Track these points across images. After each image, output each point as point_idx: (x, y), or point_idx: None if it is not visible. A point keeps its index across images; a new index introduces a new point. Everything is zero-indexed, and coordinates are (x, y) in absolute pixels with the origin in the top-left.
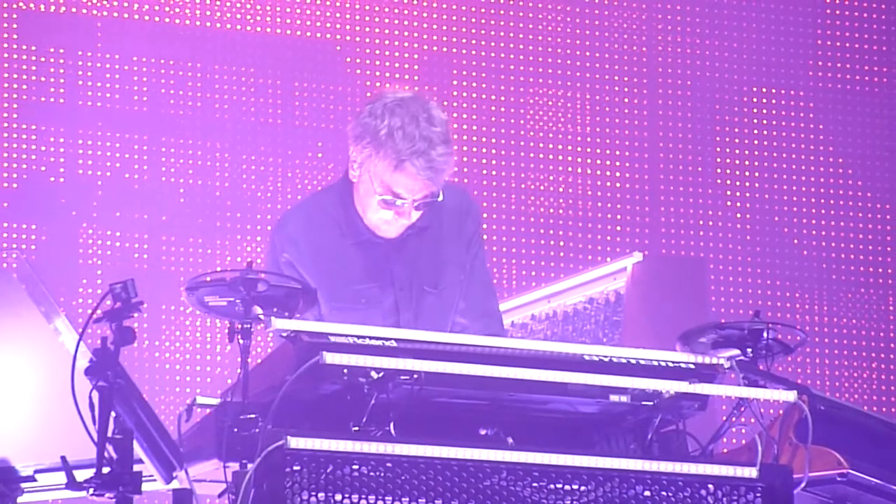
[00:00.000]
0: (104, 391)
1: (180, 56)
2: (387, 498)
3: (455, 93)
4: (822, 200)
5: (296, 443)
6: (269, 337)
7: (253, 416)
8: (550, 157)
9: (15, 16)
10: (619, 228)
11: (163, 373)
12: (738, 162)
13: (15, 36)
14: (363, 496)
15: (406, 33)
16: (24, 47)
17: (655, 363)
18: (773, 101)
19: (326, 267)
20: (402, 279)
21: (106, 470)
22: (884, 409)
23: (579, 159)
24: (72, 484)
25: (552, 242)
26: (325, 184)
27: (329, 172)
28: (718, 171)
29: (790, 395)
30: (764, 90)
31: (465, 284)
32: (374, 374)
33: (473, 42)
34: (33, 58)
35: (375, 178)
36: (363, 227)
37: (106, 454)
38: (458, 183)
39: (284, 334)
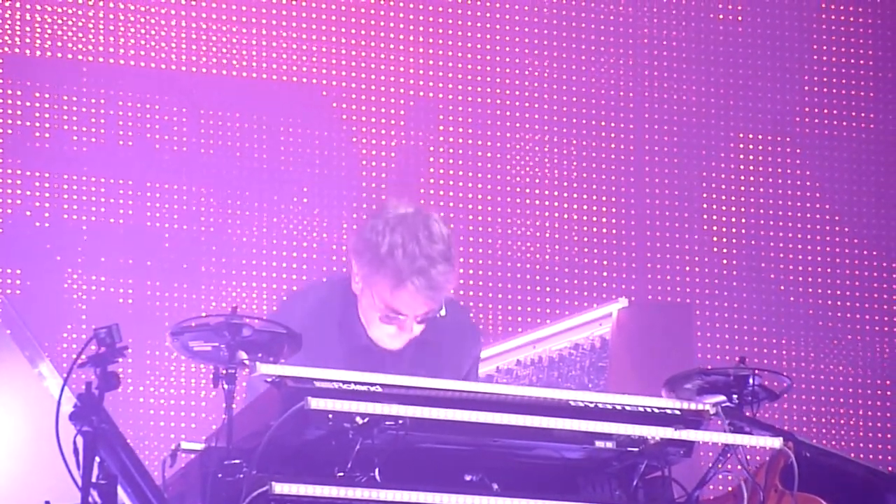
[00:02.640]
0: (88, 436)
1: (165, 100)
2: None
3: (441, 138)
4: (809, 247)
5: (280, 488)
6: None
7: (237, 461)
8: (536, 202)
9: (0, 60)
10: (605, 274)
11: (147, 418)
12: (724, 208)
13: (0, 79)
14: None
15: (392, 79)
16: (10, 91)
17: (641, 409)
18: (760, 147)
19: (331, 358)
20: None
21: None
22: (870, 457)
23: (565, 205)
24: None
25: (538, 288)
26: (332, 277)
27: (314, 217)
28: (705, 216)
29: (776, 442)
30: (751, 136)
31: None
32: (359, 420)
33: (459, 88)
34: (18, 102)
35: (377, 295)
36: (363, 332)
37: (90, 500)
38: (461, 302)
39: (269, 379)
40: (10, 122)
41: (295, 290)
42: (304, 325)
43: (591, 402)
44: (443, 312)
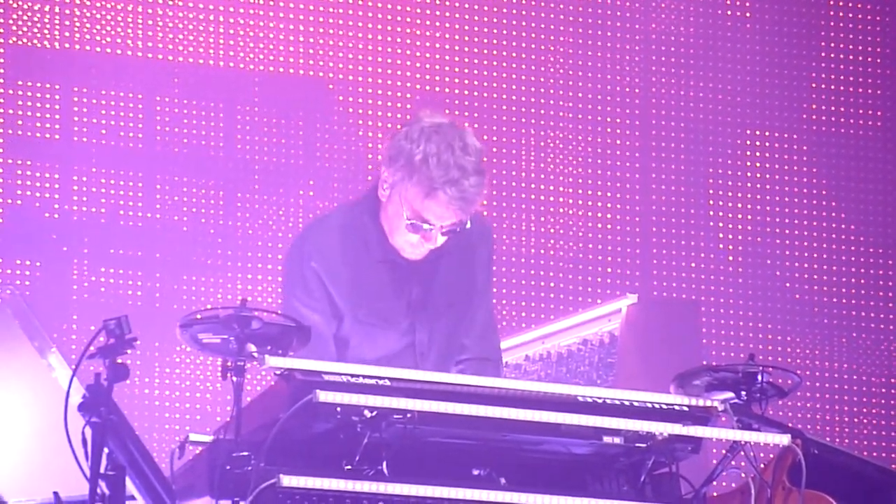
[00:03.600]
0: (97, 427)
1: (173, 93)
2: None
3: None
4: (816, 244)
5: (288, 481)
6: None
7: (246, 453)
8: (544, 198)
9: (10, 51)
10: (614, 270)
11: (156, 409)
12: (731, 204)
13: (9, 71)
14: None
15: (399, 72)
16: (19, 83)
17: (649, 405)
18: (767, 144)
19: (352, 281)
20: (419, 301)
21: None
22: (879, 454)
23: (573, 201)
24: None
25: (547, 284)
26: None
27: (321, 210)
28: (712, 213)
29: (784, 439)
30: (758, 133)
31: (473, 304)
32: (367, 413)
33: (466, 82)
34: (28, 93)
35: (405, 202)
36: (388, 246)
37: (98, 490)
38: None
39: (278, 372)
40: (19, 113)
41: (307, 225)
42: (331, 250)
43: (600, 398)
44: (468, 225)
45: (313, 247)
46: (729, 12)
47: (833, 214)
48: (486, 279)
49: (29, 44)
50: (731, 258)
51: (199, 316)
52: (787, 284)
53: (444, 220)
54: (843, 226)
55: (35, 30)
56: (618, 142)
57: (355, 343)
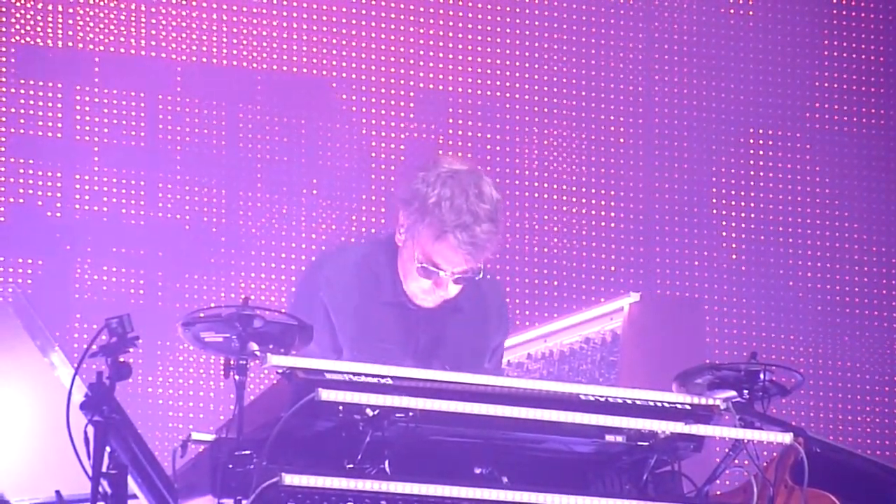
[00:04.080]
0: (99, 426)
1: (177, 92)
2: None
3: (450, 131)
4: (819, 242)
5: (291, 480)
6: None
7: (248, 452)
8: (546, 196)
9: (13, 50)
10: (616, 269)
11: (158, 408)
12: (734, 203)
13: (13, 70)
14: None
15: (402, 71)
16: (22, 81)
17: (651, 403)
18: (770, 143)
19: (356, 319)
20: (424, 350)
21: None
22: (881, 453)
23: (575, 199)
24: None
25: (549, 282)
26: (374, 235)
27: (324, 209)
28: (714, 212)
29: (786, 437)
30: (761, 132)
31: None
32: (369, 412)
33: (469, 80)
34: (31, 92)
35: (418, 246)
36: (400, 290)
37: (101, 489)
38: (499, 279)
39: (280, 371)
40: (21, 112)
41: (325, 254)
42: (341, 286)
43: (602, 397)
44: (480, 276)
45: (326, 278)
46: (731, 11)
47: (836, 213)
48: (496, 353)
49: (31, 42)
50: (734, 256)
51: (201, 314)
52: (791, 283)
53: (454, 265)
54: (846, 224)
55: (38, 29)
56: (621, 140)
57: None
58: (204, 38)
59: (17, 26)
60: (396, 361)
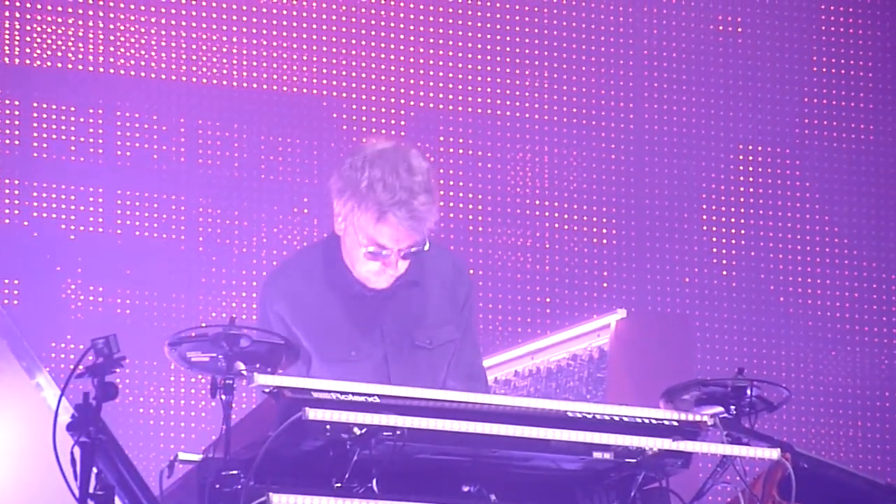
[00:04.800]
0: (86, 447)
1: (165, 111)
2: None
3: (441, 148)
4: (809, 258)
5: (278, 499)
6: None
7: (235, 472)
8: (535, 213)
9: (4, 70)
10: (603, 285)
11: (145, 428)
12: (724, 219)
13: (4, 90)
14: None
15: (392, 88)
16: (9, 101)
17: (639, 420)
18: (760, 159)
19: (316, 321)
20: (392, 333)
21: None
22: (868, 468)
23: (564, 216)
24: None
25: (536, 299)
26: (312, 241)
27: (315, 228)
28: (705, 228)
29: (773, 453)
30: (750, 147)
31: (457, 345)
32: (356, 431)
33: (460, 98)
34: (24, 113)
35: (360, 231)
36: (352, 280)
37: None
38: (446, 244)
39: (267, 390)
40: (8, 132)
41: (272, 271)
42: (295, 293)
43: (589, 413)
44: (427, 247)
45: (276, 291)
46: (720, 28)
47: (826, 228)
48: (470, 320)
49: (20, 62)
50: (724, 273)
51: (188, 334)
52: (781, 299)
53: (399, 242)
54: (836, 240)
55: (26, 48)
56: (610, 156)
57: None
58: (193, 57)
59: (8, 49)
60: (366, 350)
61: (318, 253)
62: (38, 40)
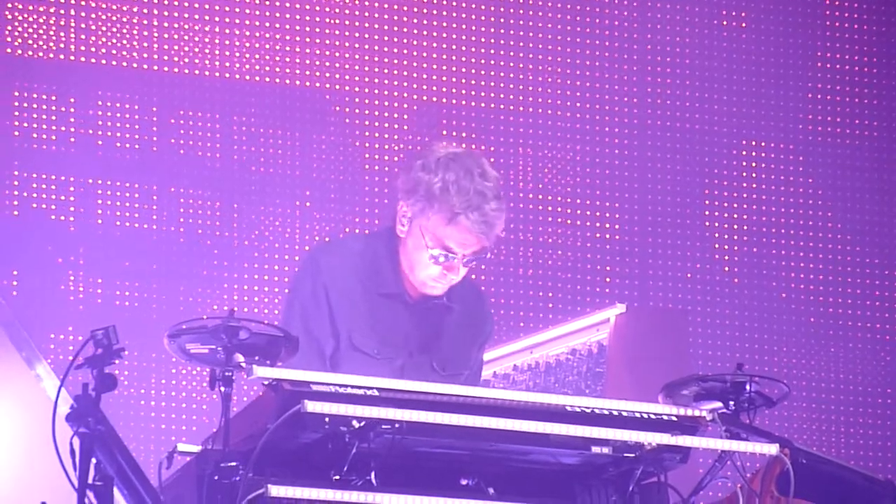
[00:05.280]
0: (85, 438)
1: (169, 104)
2: None
3: (443, 143)
4: (811, 254)
5: (276, 491)
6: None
7: (234, 464)
8: (536, 207)
9: (5, 60)
10: (603, 280)
11: (144, 420)
12: (726, 215)
13: (5, 80)
14: None
15: (396, 82)
16: (9, 93)
17: (637, 415)
18: (763, 154)
19: (355, 308)
20: (414, 346)
21: None
22: (867, 464)
23: (567, 210)
24: None
25: (536, 293)
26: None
27: (316, 221)
28: (707, 223)
29: (772, 449)
30: (754, 143)
31: (466, 377)
32: (355, 423)
33: (464, 92)
34: (25, 104)
35: (427, 233)
36: (400, 281)
37: (87, 501)
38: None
39: (266, 382)
40: (9, 123)
41: (328, 243)
42: (345, 274)
43: (588, 408)
44: (489, 255)
45: (328, 264)
46: (725, 22)
47: (829, 224)
48: (480, 360)
49: (21, 53)
50: (726, 268)
51: (187, 326)
52: (784, 295)
53: (466, 247)
54: (839, 236)
55: (28, 40)
56: (615, 151)
57: (346, 370)
58: (197, 50)
59: (10, 39)
60: (388, 354)
61: (375, 246)
62: (41, 31)
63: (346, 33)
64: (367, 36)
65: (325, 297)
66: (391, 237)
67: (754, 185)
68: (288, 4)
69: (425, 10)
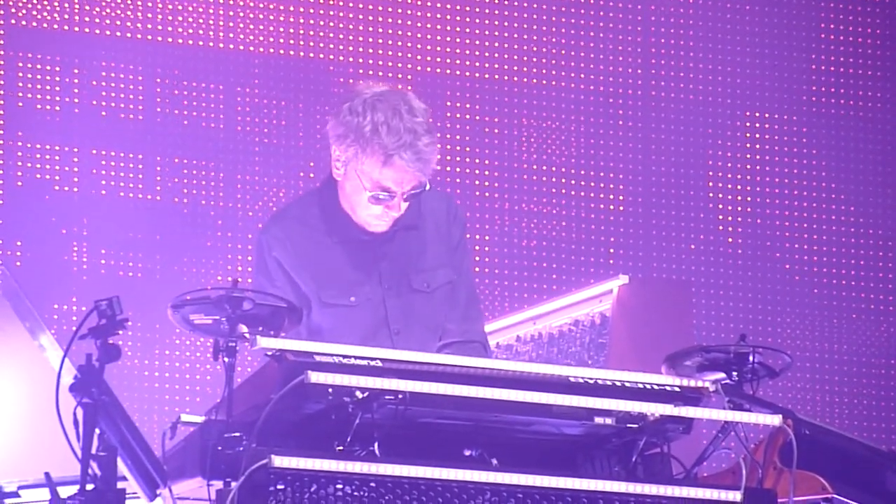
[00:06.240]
0: (89, 408)
1: (172, 74)
2: None
3: (448, 114)
4: (815, 226)
5: (280, 461)
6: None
7: (237, 434)
8: (539, 178)
9: (10, 30)
10: (606, 250)
11: (148, 390)
12: (730, 186)
13: (9, 50)
14: None
15: (399, 54)
16: (14, 63)
17: (640, 386)
18: (766, 126)
19: (314, 266)
20: (390, 276)
21: (90, 487)
22: (870, 434)
23: (571, 181)
24: (56, 500)
25: (538, 264)
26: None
27: None
28: (710, 194)
29: (775, 419)
30: (757, 114)
31: (454, 286)
32: (358, 394)
33: (467, 63)
34: (20, 74)
35: (363, 175)
36: (350, 224)
37: (90, 471)
38: (442, 188)
39: (269, 353)
40: (14, 93)
41: (269, 218)
42: (293, 239)
43: (591, 379)
44: (427, 187)
45: (273, 237)
46: None
47: (832, 196)
48: (464, 260)
49: (25, 24)
50: (730, 240)
51: (191, 297)
52: (787, 266)
53: (404, 185)
54: (842, 207)
55: (32, 10)
56: (618, 122)
57: (328, 328)
58: (201, 20)
59: (14, 10)
60: (363, 295)
61: (315, 199)
62: (45, 1)
63: (350, 5)
64: (369, 7)
65: (281, 269)
66: (330, 185)
67: (757, 157)
68: None
69: None
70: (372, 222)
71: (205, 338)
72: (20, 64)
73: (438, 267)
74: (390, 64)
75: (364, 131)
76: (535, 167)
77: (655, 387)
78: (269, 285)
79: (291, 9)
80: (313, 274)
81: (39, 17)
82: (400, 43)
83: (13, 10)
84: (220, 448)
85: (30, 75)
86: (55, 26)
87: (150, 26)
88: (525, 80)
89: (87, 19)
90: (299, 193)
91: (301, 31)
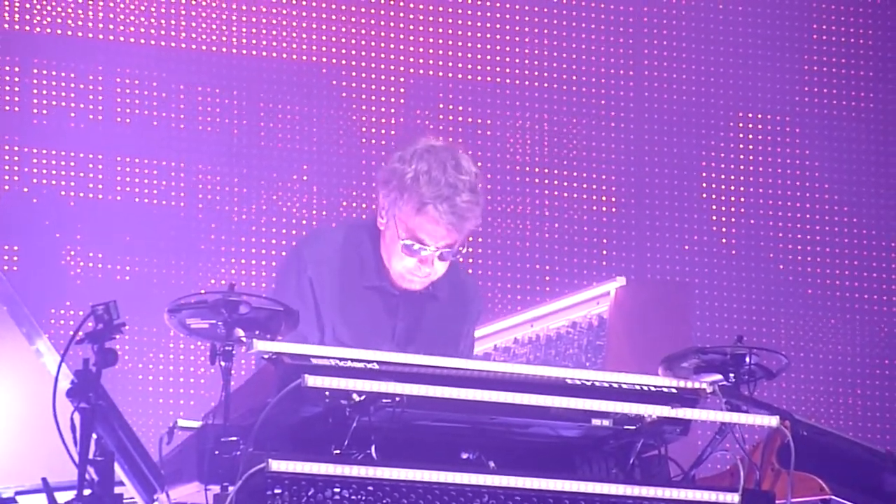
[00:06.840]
0: (86, 413)
1: (165, 78)
2: None
3: (441, 116)
4: (808, 226)
5: (277, 465)
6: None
7: (234, 438)
8: (535, 181)
9: (4, 35)
10: (603, 252)
11: (145, 395)
12: (724, 187)
13: (3, 56)
14: None
15: (392, 56)
16: (8, 67)
17: (638, 387)
18: (760, 126)
19: (341, 299)
20: (401, 337)
21: (87, 492)
22: (867, 435)
23: (564, 183)
24: None
25: (536, 266)
26: (356, 219)
27: (314, 195)
28: (704, 195)
29: (772, 421)
30: (751, 115)
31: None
32: (355, 397)
33: (460, 65)
34: (16, 79)
35: (400, 223)
36: (383, 273)
37: (87, 476)
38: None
39: (266, 356)
40: (8, 98)
41: (313, 232)
42: (330, 266)
43: (588, 381)
44: (464, 250)
45: (312, 255)
46: None
47: (826, 196)
48: (471, 343)
49: (19, 28)
50: (724, 241)
51: (187, 301)
52: (781, 266)
53: (437, 238)
54: (836, 207)
55: (25, 14)
56: (612, 124)
57: None
58: (194, 24)
59: (5, 14)
60: (375, 345)
61: (361, 234)
62: (39, 6)
63: (344, 7)
64: (364, 10)
65: (311, 290)
66: (374, 227)
67: (751, 157)
68: None
69: None
70: (406, 276)
71: (201, 342)
72: (16, 69)
73: (444, 345)
74: (384, 66)
75: (406, 178)
76: (529, 169)
77: (653, 388)
78: (297, 299)
79: (284, 12)
80: (337, 305)
81: (34, 21)
82: (394, 45)
83: (6, 16)
84: (217, 452)
85: (25, 79)
86: (48, 31)
87: (142, 30)
88: (519, 81)
89: (80, 23)
90: (294, 204)
91: (294, 35)
